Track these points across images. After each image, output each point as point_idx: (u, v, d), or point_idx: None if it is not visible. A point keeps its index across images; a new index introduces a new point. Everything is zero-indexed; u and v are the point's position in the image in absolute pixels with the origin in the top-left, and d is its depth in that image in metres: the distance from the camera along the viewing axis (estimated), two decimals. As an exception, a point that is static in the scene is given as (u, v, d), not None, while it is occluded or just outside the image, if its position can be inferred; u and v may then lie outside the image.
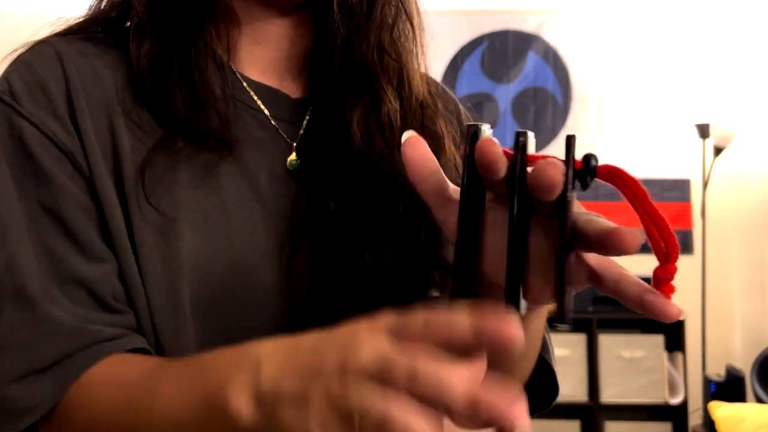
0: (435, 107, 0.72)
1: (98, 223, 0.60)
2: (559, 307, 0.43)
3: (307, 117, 0.69)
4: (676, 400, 3.46)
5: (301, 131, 0.68)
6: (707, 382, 3.36)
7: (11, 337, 0.57)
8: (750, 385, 3.34)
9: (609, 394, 3.44)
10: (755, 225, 3.81)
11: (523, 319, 0.56)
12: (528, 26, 3.96)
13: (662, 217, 0.44)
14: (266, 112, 0.68)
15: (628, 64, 3.88)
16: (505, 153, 0.45)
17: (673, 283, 0.46)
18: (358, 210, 0.65)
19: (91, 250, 0.59)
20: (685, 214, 3.86)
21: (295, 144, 0.68)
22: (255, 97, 0.68)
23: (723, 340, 3.72)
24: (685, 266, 3.75)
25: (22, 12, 3.85)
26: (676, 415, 3.49)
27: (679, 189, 3.86)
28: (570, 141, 0.44)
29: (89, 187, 0.60)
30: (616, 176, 0.44)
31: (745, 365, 3.49)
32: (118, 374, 0.56)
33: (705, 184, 3.67)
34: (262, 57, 0.70)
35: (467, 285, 0.46)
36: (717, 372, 3.47)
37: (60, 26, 0.68)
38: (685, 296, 3.62)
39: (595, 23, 3.93)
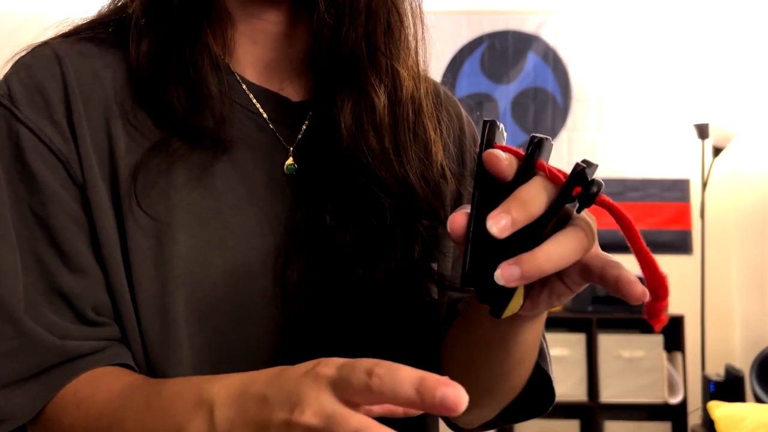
0: (427, 108, 0.71)
1: (89, 232, 0.60)
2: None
3: (307, 121, 0.69)
4: (675, 400, 3.46)
5: (300, 135, 0.68)
6: (706, 381, 3.36)
7: None
8: (749, 384, 3.34)
9: (608, 394, 3.44)
10: (755, 225, 3.82)
11: (519, 325, 0.56)
12: (528, 26, 3.96)
13: (651, 258, 0.46)
14: (264, 115, 0.67)
15: (627, 64, 3.89)
16: (517, 154, 0.46)
17: (672, 287, 0.48)
18: (352, 221, 0.65)
19: (75, 261, 0.59)
20: (685, 214, 3.86)
21: (291, 148, 0.67)
22: (254, 100, 0.67)
23: (722, 339, 3.73)
24: (685, 266, 3.76)
25: (22, 12, 3.85)
26: (676, 414, 3.49)
27: (678, 189, 3.86)
28: (578, 169, 0.45)
29: (82, 195, 0.60)
30: (612, 212, 0.46)
31: (744, 365, 3.49)
32: (89, 397, 0.56)
33: (704, 184, 3.67)
34: (260, 58, 0.69)
35: (470, 278, 0.46)
36: (716, 372, 3.47)
37: (66, 27, 0.68)
38: (685, 296, 3.62)
39: (594, 23, 3.93)
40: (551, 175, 0.45)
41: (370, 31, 0.66)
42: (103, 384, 0.57)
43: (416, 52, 0.70)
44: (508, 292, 0.46)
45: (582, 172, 0.44)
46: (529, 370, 0.67)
